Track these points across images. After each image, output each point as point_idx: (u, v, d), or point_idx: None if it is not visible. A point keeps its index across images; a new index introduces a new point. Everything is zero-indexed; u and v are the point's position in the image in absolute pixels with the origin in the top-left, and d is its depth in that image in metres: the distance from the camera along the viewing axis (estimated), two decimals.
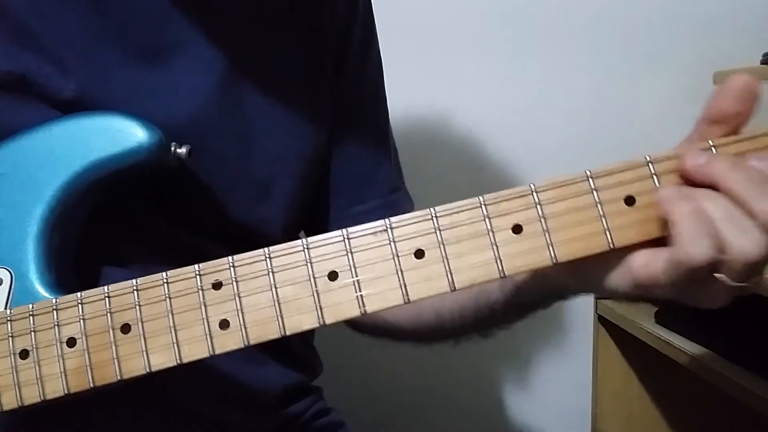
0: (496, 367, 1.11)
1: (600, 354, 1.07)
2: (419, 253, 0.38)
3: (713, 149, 0.37)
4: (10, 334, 0.40)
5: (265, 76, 0.55)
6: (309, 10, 0.58)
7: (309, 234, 0.67)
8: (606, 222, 0.37)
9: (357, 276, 0.38)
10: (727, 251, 0.34)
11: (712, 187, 0.36)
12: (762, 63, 0.91)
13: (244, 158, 0.54)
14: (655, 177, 0.37)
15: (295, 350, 0.61)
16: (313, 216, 0.65)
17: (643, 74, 1.05)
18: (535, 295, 0.47)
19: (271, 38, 0.56)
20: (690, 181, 0.37)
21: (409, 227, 0.38)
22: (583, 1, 1.03)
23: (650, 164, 0.37)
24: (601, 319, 1.05)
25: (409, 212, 0.64)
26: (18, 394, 0.40)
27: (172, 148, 0.47)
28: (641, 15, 1.05)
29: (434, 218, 0.38)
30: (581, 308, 1.07)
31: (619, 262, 0.38)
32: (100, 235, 0.49)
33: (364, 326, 0.65)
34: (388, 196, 0.65)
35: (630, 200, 0.37)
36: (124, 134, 0.45)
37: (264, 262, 0.38)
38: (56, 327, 0.40)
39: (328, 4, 0.59)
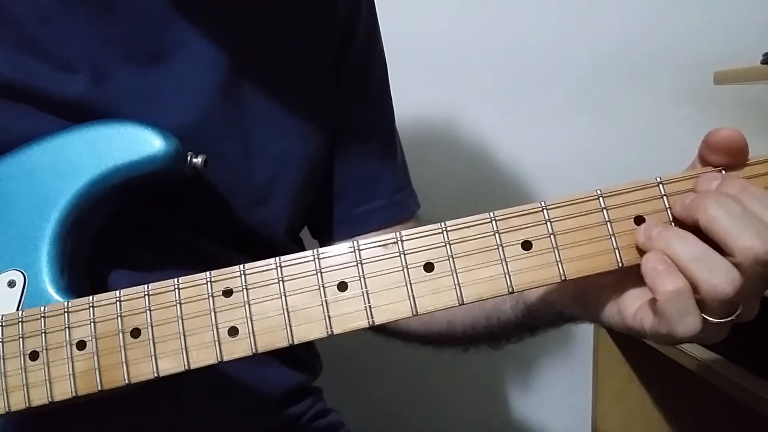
0: (497, 367, 1.12)
1: (600, 354, 1.07)
2: (428, 266, 0.38)
3: (723, 171, 0.37)
4: (21, 336, 0.41)
5: (266, 78, 0.55)
6: (310, 12, 0.58)
7: (314, 235, 0.68)
8: (615, 241, 0.37)
9: (366, 287, 0.38)
10: (700, 291, 0.34)
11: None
12: (762, 63, 0.90)
13: (246, 160, 0.54)
14: (665, 198, 0.38)
15: (297, 351, 0.61)
16: (317, 216, 0.65)
17: (643, 74, 1.05)
18: (545, 319, 0.48)
19: (273, 40, 0.56)
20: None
21: (419, 240, 0.38)
22: (582, 2, 1.03)
23: (660, 185, 0.38)
24: None
25: (414, 212, 0.65)
26: (26, 395, 0.40)
27: (188, 158, 0.47)
28: (642, 15, 1.04)
29: (444, 232, 0.38)
30: None
31: (617, 301, 0.39)
32: (110, 239, 0.49)
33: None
34: (393, 196, 0.65)
35: (639, 220, 0.38)
36: (141, 142, 0.45)
37: (274, 270, 0.39)
38: (67, 329, 0.40)
39: (330, 4, 0.59)
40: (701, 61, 1.02)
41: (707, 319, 0.35)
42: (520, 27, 1.02)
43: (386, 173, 0.65)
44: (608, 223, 0.37)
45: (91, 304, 0.40)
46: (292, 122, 0.57)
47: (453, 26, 1.01)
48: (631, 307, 0.38)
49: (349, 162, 0.63)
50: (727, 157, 0.37)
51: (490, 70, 1.03)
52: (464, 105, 1.03)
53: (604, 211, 0.38)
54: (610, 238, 0.37)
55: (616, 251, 0.37)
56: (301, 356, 0.62)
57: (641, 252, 0.37)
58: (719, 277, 0.34)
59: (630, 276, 0.38)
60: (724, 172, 0.38)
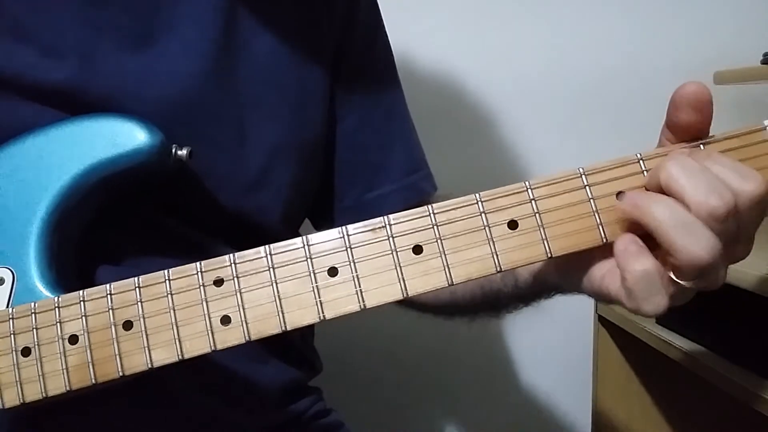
0: (496, 367, 1.11)
1: (600, 354, 1.07)
2: (417, 249, 0.38)
3: (701, 147, 0.38)
4: (12, 332, 0.41)
5: (259, 62, 0.55)
6: None
7: (317, 227, 0.67)
8: (599, 217, 0.38)
9: (356, 271, 0.38)
10: (678, 257, 0.35)
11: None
12: (762, 63, 0.91)
13: (239, 145, 0.54)
14: (645, 173, 0.38)
15: (295, 348, 0.61)
16: (322, 207, 0.65)
17: (644, 74, 1.06)
18: (533, 289, 0.49)
19: (266, 24, 0.56)
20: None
21: (407, 223, 0.39)
22: (581, 3, 1.04)
23: (641, 161, 0.38)
24: (601, 319, 1.05)
25: (430, 194, 0.66)
26: (20, 391, 0.40)
27: (173, 150, 0.47)
28: (641, 14, 1.05)
29: (432, 215, 0.39)
30: (581, 308, 1.07)
31: (587, 268, 0.40)
32: (96, 230, 0.49)
33: None
34: (404, 179, 0.64)
35: (622, 196, 0.38)
36: (126, 136, 0.46)
37: (265, 258, 0.39)
38: (58, 324, 0.40)
39: None
40: (701, 61, 1.02)
41: (678, 282, 0.36)
42: (522, 26, 1.03)
43: (395, 157, 0.65)
44: (591, 200, 0.38)
45: (81, 299, 0.40)
46: (287, 108, 0.56)
47: (460, 28, 1.02)
48: (598, 273, 0.39)
49: (354, 148, 0.63)
50: (693, 112, 0.37)
51: (493, 71, 1.03)
52: (469, 106, 1.03)
53: (587, 188, 0.38)
54: (594, 214, 0.38)
55: (600, 227, 0.38)
56: (298, 353, 0.62)
57: (624, 227, 0.38)
58: (698, 245, 0.34)
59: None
60: (702, 147, 0.38)
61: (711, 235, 0.34)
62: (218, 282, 0.39)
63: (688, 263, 0.34)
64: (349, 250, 0.39)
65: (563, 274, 0.43)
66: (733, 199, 0.34)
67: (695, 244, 0.34)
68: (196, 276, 0.39)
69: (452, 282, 0.38)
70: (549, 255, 0.38)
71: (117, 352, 0.39)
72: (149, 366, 0.39)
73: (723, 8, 1.05)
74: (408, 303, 0.65)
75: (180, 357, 0.39)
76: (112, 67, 0.49)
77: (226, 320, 0.39)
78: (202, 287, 0.39)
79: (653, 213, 0.35)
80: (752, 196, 0.35)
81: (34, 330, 0.40)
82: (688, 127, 0.38)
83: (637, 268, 0.35)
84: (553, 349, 1.11)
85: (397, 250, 0.38)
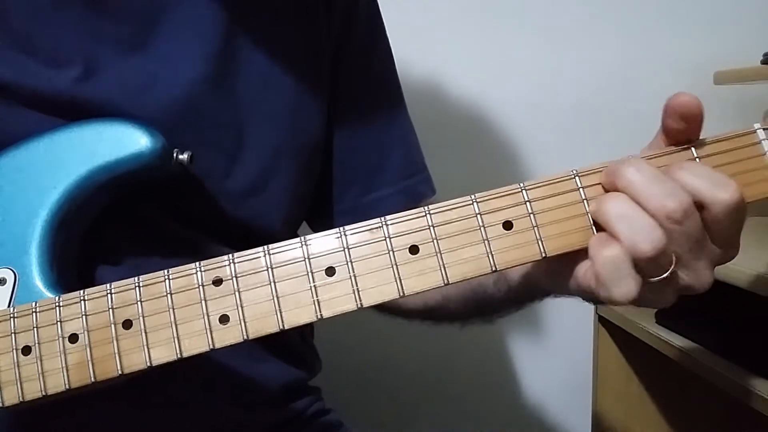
0: (496, 367, 1.12)
1: (600, 354, 1.07)
2: (413, 249, 0.39)
3: (693, 150, 0.39)
4: (13, 331, 0.41)
5: (257, 68, 0.55)
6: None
7: (315, 229, 0.68)
8: (592, 218, 0.38)
9: (353, 271, 0.39)
10: (624, 248, 0.36)
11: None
12: (762, 63, 0.92)
13: (239, 150, 0.54)
14: None
15: (294, 347, 0.61)
16: (318, 209, 0.65)
17: (644, 74, 1.06)
18: (525, 294, 0.49)
19: (265, 28, 0.56)
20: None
21: (403, 224, 0.39)
22: (581, 3, 1.04)
23: None
24: (601, 319, 1.05)
25: (428, 197, 0.66)
26: (20, 389, 0.40)
27: (174, 154, 0.48)
28: (641, 14, 1.05)
29: (428, 215, 0.39)
30: (581, 308, 1.08)
31: (573, 267, 0.40)
32: (97, 232, 0.49)
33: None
34: (401, 183, 0.65)
35: None
36: (128, 140, 0.46)
37: (263, 258, 0.39)
38: (59, 323, 0.41)
39: None
40: (701, 61, 1.03)
41: (645, 280, 0.36)
42: (521, 29, 1.04)
43: (392, 160, 0.65)
44: (584, 201, 0.39)
45: (82, 298, 0.41)
46: (285, 113, 0.57)
47: (459, 35, 1.03)
48: (581, 270, 0.40)
49: (351, 151, 0.63)
50: (681, 121, 0.38)
51: (492, 75, 1.04)
52: (468, 111, 1.04)
53: (581, 189, 0.39)
54: (587, 215, 0.38)
55: (593, 228, 0.38)
56: (298, 352, 0.62)
57: None
58: (639, 235, 0.35)
59: None
60: (694, 150, 0.39)
61: (655, 227, 0.35)
62: (217, 282, 0.40)
63: (636, 254, 0.35)
64: (346, 250, 0.39)
65: (553, 276, 0.43)
66: (689, 199, 0.35)
67: (637, 234, 0.35)
68: (195, 275, 0.40)
69: (448, 281, 0.38)
70: (543, 254, 0.38)
71: (116, 351, 0.40)
72: (148, 364, 0.39)
73: (723, 8, 1.06)
74: (395, 310, 0.65)
75: (179, 355, 0.39)
76: (113, 75, 0.50)
77: (224, 319, 0.39)
78: (201, 287, 0.40)
79: (603, 207, 0.37)
80: (727, 204, 0.36)
81: (35, 329, 0.41)
82: (678, 134, 0.39)
83: (604, 253, 0.36)
84: (553, 349, 1.11)
85: (394, 250, 0.39)
